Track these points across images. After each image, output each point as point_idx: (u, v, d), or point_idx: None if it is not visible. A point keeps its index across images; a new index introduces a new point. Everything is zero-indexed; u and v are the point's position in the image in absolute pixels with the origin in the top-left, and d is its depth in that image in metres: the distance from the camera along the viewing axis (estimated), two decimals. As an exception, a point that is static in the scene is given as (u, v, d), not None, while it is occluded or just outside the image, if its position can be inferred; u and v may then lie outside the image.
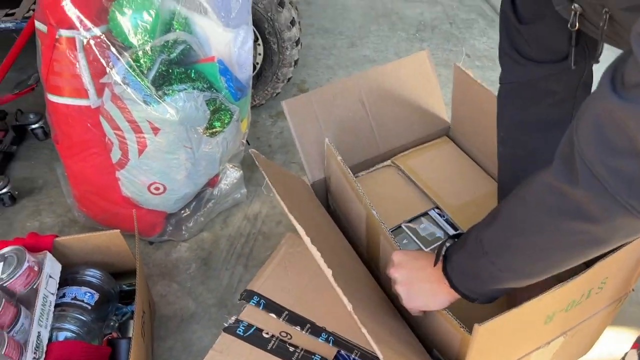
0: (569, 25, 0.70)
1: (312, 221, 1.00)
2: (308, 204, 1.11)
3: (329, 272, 0.76)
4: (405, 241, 1.09)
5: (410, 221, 1.12)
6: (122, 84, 1.19)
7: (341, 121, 1.16)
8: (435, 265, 0.77)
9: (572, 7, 0.67)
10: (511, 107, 0.91)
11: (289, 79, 1.94)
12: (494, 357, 0.78)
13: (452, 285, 0.74)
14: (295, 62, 1.89)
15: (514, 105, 0.90)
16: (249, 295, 1.13)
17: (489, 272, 0.68)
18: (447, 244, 0.77)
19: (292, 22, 1.77)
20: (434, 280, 0.76)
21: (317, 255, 0.79)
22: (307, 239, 0.82)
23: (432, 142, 1.29)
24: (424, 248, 1.07)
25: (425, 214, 1.11)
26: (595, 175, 0.50)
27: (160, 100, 1.21)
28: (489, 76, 2.20)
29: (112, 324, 1.20)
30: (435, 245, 1.07)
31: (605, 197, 0.50)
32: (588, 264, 0.72)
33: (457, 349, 0.78)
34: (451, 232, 1.08)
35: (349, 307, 0.74)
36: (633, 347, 1.03)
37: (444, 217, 1.10)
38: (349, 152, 1.13)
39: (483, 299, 0.73)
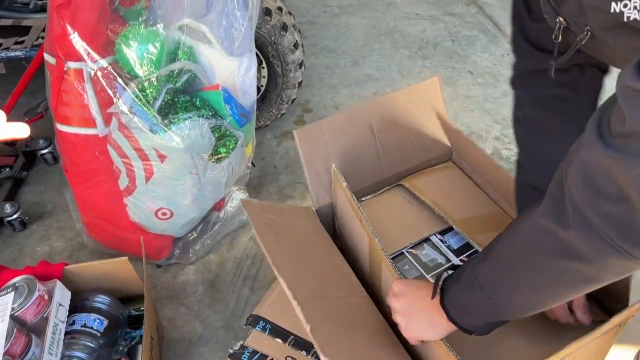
0: (552, 37, 0.71)
1: (301, 265, 1.01)
2: (306, 239, 1.13)
3: (307, 327, 0.78)
4: (407, 267, 1.10)
5: (412, 247, 1.13)
6: (128, 113, 1.22)
7: (349, 147, 1.18)
8: (432, 298, 0.78)
9: (557, 19, 0.69)
10: (525, 89, 0.93)
11: (293, 100, 1.96)
12: None
13: (450, 318, 0.75)
14: (299, 83, 1.92)
15: (529, 87, 0.92)
16: (254, 320, 1.14)
17: (485, 306, 0.70)
18: (445, 274, 0.78)
19: (295, 45, 1.80)
20: (433, 311, 0.77)
21: (297, 309, 0.80)
22: (289, 293, 0.83)
23: (438, 166, 1.31)
24: (425, 274, 1.09)
25: (427, 240, 1.13)
26: (586, 219, 0.52)
27: (167, 129, 1.23)
28: (490, 93, 2.22)
29: (121, 349, 1.22)
30: (437, 272, 1.08)
31: (597, 240, 0.52)
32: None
33: None
34: (452, 257, 1.09)
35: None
36: None
37: (445, 243, 1.11)
38: (355, 177, 1.15)
39: (481, 332, 0.75)
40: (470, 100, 2.22)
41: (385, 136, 1.23)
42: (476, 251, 1.10)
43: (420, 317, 0.79)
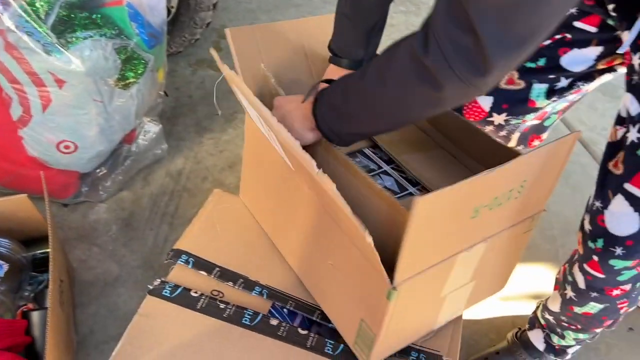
0: None
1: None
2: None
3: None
4: None
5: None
6: (16, 30, 1.06)
7: (282, 61, 1.10)
8: (304, 101, 0.87)
9: None
10: None
11: (207, 24, 1.82)
12: (428, 247, 0.76)
13: (317, 124, 0.83)
14: (214, 5, 1.78)
15: None
16: (176, 254, 1.07)
17: (346, 114, 0.79)
18: (320, 88, 0.86)
19: (208, -38, 1.65)
20: (306, 115, 0.85)
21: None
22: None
23: None
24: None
25: (360, 151, 1.08)
26: (440, 46, 0.60)
27: (64, 50, 1.09)
28: (412, 21, 2.19)
29: (26, 294, 1.12)
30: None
31: (445, 67, 0.61)
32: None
33: (397, 233, 0.77)
34: (383, 164, 1.06)
35: None
36: (555, 289, 1.07)
37: (377, 154, 1.08)
38: (285, 92, 1.08)
39: (341, 142, 0.84)
40: (393, 28, 2.18)
41: (317, 59, 1.15)
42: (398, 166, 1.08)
43: (293, 116, 0.87)
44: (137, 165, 1.49)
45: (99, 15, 1.13)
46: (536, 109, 1.02)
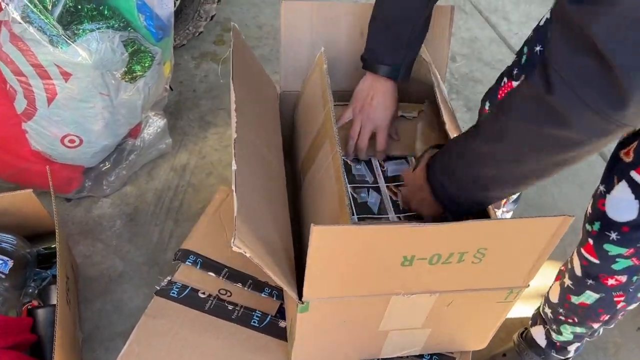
0: None
1: (251, 114, 0.96)
2: (262, 112, 1.06)
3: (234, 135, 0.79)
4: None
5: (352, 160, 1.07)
6: (22, 21, 1.03)
7: (335, 44, 1.07)
8: (414, 170, 0.85)
9: None
10: None
11: (212, 17, 1.79)
12: (339, 275, 0.75)
13: (434, 194, 0.79)
14: (219, -2, 1.75)
15: None
16: (184, 255, 1.06)
17: (465, 180, 0.74)
18: (430, 152, 0.83)
19: (214, -46, 1.62)
20: (423, 189, 0.82)
21: (233, 117, 0.81)
22: (233, 105, 0.83)
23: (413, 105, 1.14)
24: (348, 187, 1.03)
25: (368, 161, 1.06)
26: (563, 78, 0.54)
27: (70, 42, 1.06)
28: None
29: (30, 291, 1.10)
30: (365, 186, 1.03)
31: (573, 99, 0.54)
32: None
33: None
34: (381, 180, 1.04)
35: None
36: (556, 279, 1.07)
37: (383, 167, 1.06)
38: (333, 76, 1.04)
39: (459, 212, 0.80)
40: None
41: None
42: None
43: (415, 196, 0.87)
44: (141, 159, 1.47)
45: (107, 7, 1.11)
46: None
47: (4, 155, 1.25)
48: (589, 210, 0.89)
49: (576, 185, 1.69)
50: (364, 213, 0.96)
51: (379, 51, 0.96)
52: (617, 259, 0.86)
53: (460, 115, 1.80)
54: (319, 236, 0.66)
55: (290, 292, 0.77)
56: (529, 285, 0.84)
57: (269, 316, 1.01)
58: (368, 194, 1.00)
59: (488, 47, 2.14)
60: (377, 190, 1.01)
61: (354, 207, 0.96)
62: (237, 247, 0.67)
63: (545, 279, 1.41)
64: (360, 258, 0.72)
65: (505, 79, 1.05)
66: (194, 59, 1.87)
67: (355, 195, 0.98)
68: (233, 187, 0.74)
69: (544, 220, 0.71)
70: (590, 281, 0.93)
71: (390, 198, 1.00)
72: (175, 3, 1.67)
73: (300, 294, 0.77)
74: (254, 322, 1.00)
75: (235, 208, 0.71)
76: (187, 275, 1.04)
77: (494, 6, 2.38)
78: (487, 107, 1.12)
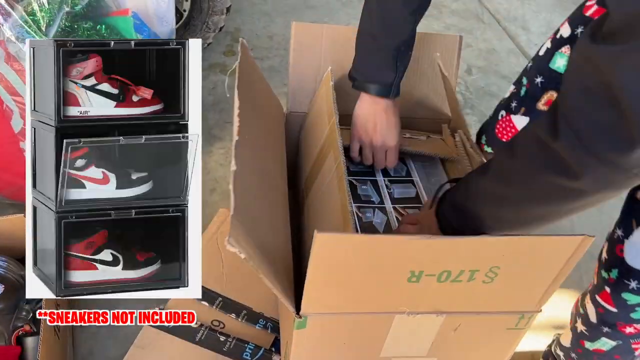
0: None
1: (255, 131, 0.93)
2: (267, 129, 1.04)
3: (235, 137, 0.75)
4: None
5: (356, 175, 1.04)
6: (16, 41, 1.02)
7: (343, 69, 1.04)
8: (430, 208, 0.81)
9: None
10: None
11: (221, 28, 1.77)
12: (339, 287, 0.71)
13: (440, 225, 0.77)
14: (228, 9, 1.72)
15: None
16: (177, 283, 1.03)
17: (470, 215, 0.70)
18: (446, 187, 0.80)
19: (222, -35, 1.59)
20: (431, 223, 0.80)
21: (235, 122, 0.78)
22: (236, 111, 0.79)
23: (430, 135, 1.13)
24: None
25: (374, 179, 1.02)
26: (571, 126, 0.51)
27: (65, 62, 1.04)
28: (433, 26, 2.11)
29: (24, 314, 1.08)
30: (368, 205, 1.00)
31: (580, 148, 0.51)
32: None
33: None
34: (387, 201, 1.00)
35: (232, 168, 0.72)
36: (570, 323, 1.01)
37: (389, 189, 1.01)
38: (340, 101, 1.01)
39: None
40: (412, 33, 2.10)
41: None
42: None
43: (423, 229, 0.84)
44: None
45: (103, 26, 1.08)
46: None
47: (3, 174, 1.24)
48: (605, 255, 0.83)
49: (595, 208, 1.62)
50: (369, 233, 0.92)
51: (370, 69, 0.93)
52: (636, 308, 0.81)
53: (474, 131, 1.74)
54: (321, 244, 0.63)
55: (286, 304, 0.73)
56: (541, 311, 0.79)
57: (262, 349, 0.97)
58: (374, 214, 0.96)
59: (506, 59, 2.07)
60: (383, 210, 0.97)
61: (358, 227, 0.93)
62: (230, 245, 0.64)
63: (557, 309, 1.35)
64: (364, 270, 0.68)
65: (503, 112, 1.00)
66: (203, 71, 1.84)
67: (360, 215, 0.95)
68: (231, 187, 0.70)
69: (563, 240, 0.67)
70: (606, 329, 0.87)
71: (397, 219, 0.97)
72: (182, 15, 1.65)
73: (298, 308, 0.73)
74: (246, 355, 0.96)
75: (232, 208, 0.68)
76: (179, 304, 1.01)
77: (513, 15, 2.31)
78: (483, 142, 1.07)
